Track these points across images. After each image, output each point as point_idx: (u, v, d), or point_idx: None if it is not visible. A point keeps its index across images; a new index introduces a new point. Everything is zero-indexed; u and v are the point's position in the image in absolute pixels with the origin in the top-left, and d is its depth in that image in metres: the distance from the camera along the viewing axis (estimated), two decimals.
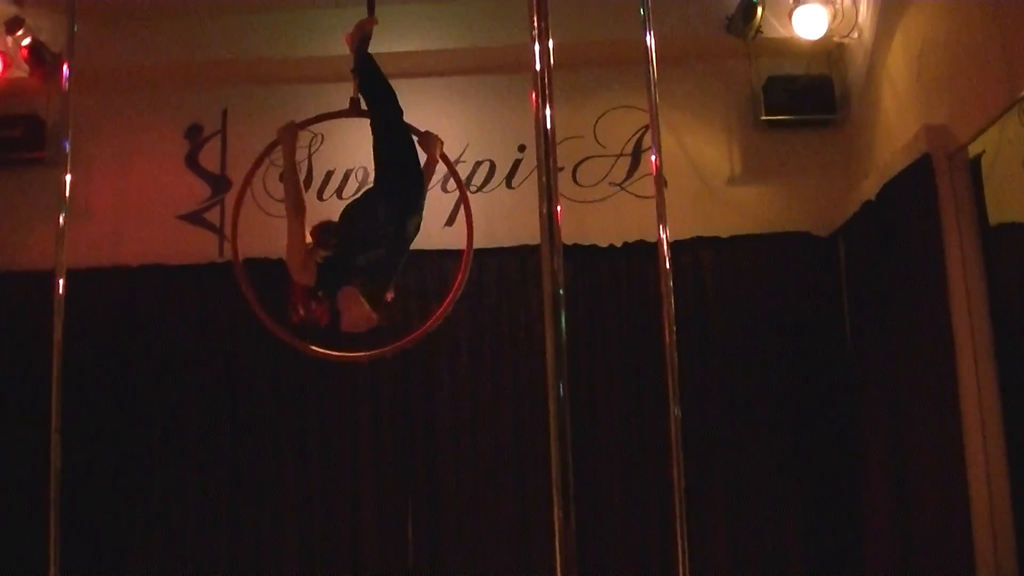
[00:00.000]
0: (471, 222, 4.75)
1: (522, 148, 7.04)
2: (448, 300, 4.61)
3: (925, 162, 5.49)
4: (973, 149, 5.34)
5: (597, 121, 7.27)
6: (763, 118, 7.12)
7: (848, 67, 7.06)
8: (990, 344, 5.23)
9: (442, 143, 4.70)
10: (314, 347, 4.51)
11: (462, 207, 5.08)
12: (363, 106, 4.62)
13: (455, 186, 6.58)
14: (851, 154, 7.00)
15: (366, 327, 4.16)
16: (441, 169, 6.71)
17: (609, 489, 6.71)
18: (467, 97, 7.25)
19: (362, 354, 4.79)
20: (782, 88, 7.07)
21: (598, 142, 7.26)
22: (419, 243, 4.62)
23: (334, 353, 4.61)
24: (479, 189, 7.07)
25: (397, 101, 4.52)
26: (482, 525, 6.71)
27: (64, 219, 4.16)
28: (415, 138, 4.61)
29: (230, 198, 7.26)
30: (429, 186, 4.72)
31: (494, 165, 7.10)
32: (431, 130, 4.73)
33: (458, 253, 6.47)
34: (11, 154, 7.20)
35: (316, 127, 7.14)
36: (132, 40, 7.22)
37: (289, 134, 4.48)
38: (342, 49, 6.94)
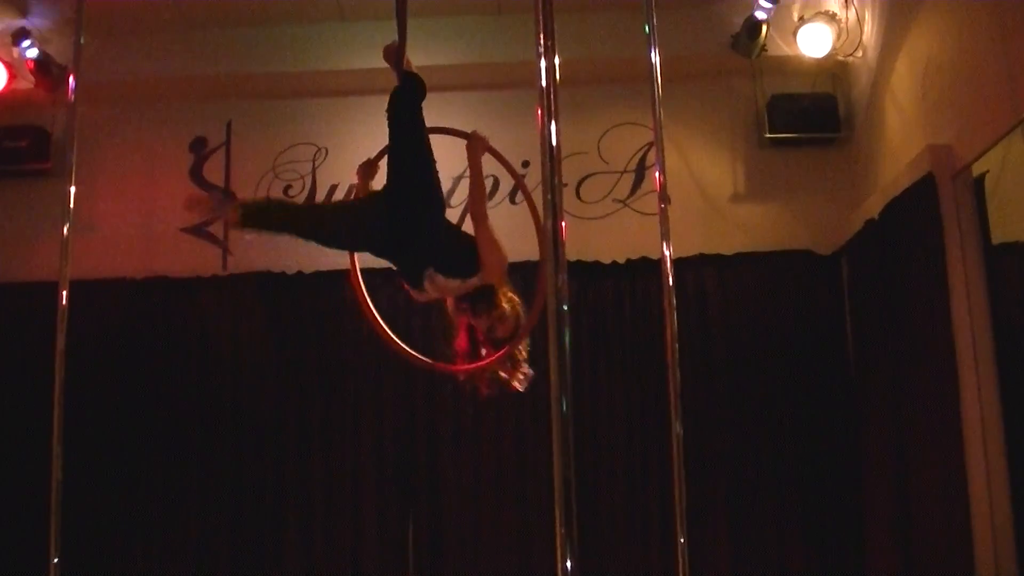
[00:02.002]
0: (540, 226, 4.23)
1: (526, 164, 7.03)
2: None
3: (929, 181, 5.49)
4: (977, 168, 5.35)
5: (601, 138, 7.28)
6: (767, 136, 7.13)
7: (852, 86, 7.07)
8: (993, 363, 5.23)
9: (485, 140, 4.37)
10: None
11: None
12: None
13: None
14: (854, 173, 7.00)
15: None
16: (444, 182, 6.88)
17: (612, 504, 6.70)
18: (472, 112, 7.20)
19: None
20: (786, 106, 7.08)
21: (602, 158, 7.27)
22: None
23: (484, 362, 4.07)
24: None
25: (416, 134, 4.21)
26: (484, 539, 6.70)
27: (68, 230, 4.15)
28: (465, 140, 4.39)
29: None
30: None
31: (498, 181, 7.09)
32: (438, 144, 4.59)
33: None
34: (16, 165, 7.21)
35: (320, 142, 7.31)
36: (137, 53, 7.23)
37: (364, 173, 4.47)
38: (346, 63, 7.05)
